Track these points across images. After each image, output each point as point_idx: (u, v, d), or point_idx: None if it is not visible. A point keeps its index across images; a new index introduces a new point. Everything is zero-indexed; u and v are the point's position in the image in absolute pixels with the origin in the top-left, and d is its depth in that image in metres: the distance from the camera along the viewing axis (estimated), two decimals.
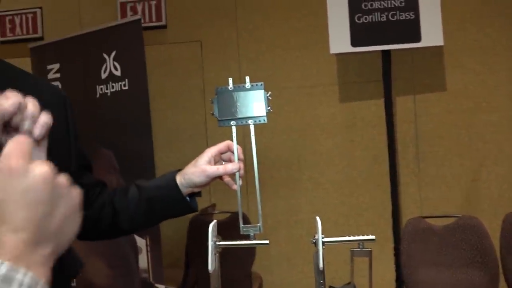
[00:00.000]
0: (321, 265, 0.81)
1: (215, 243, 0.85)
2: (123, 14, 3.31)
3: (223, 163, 0.98)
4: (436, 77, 3.06)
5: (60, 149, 0.82)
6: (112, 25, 2.60)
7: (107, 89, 2.53)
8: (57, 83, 2.69)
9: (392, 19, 2.72)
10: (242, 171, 0.95)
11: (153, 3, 3.32)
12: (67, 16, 3.42)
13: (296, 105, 3.17)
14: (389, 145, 2.84)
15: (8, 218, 0.40)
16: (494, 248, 2.31)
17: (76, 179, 0.91)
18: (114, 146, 2.51)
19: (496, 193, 2.99)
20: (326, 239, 0.84)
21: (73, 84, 2.66)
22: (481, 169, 3.01)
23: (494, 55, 3.00)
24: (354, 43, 2.73)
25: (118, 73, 2.49)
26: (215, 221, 0.88)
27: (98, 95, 2.57)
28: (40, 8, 3.48)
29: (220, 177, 0.97)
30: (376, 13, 2.73)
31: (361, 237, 0.85)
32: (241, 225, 0.91)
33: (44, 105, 0.81)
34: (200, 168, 0.94)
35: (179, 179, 0.96)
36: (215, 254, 0.84)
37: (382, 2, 2.72)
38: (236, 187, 0.95)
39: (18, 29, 3.49)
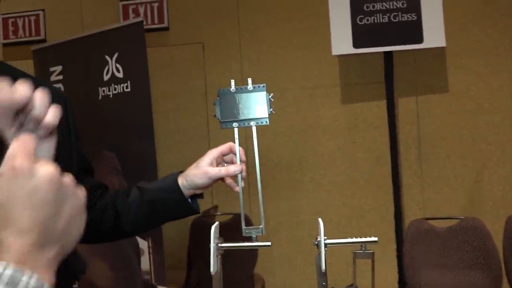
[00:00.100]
0: (323, 267, 0.81)
1: (217, 245, 0.85)
2: (125, 16, 3.32)
3: (225, 165, 0.98)
4: (438, 78, 3.06)
5: (61, 151, 0.82)
6: (114, 27, 2.60)
7: (109, 91, 2.53)
8: (60, 85, 2.70)
9: (394, 20, 2.72)
10: (244, 173, 0.95)
11: (155, 5, 3.32)
12: (69, 18, 3.43)
13: (298, 107, 3.17)
14: (391, 146, 2.84)
15: (14, 220, 0.40)
16: (497, 250, 2.30)
17: (77, 182, 0.91)
18: (116, 148, 2.52)
19: (498, 194, 2.98)
20: (328, 241, 0.83)
21: (76, 86, 2.66)
22: (483, 170, 3.00)
23: (497, 56, 3.00)
24: (356, 45, 2.73)
25: (120, 75, 2.50)
26: (217, 223, 0.87)
27: (100, 97, 2.57)
28: (43, 10, 3.49)
29: (222, 179, 0.97)
30: (378, 15, 2.72)
31: (363, 239, 0.84)
32: (243, 227, 0.91)
33: None
34: (202, 170, 0.94)
35: (181, 181, 0.96)
36: (217, 256, 0.84)
37: (384, 4, 2.72)
38: (238, 189, 0.95)
39: (20, 32, 3.50)
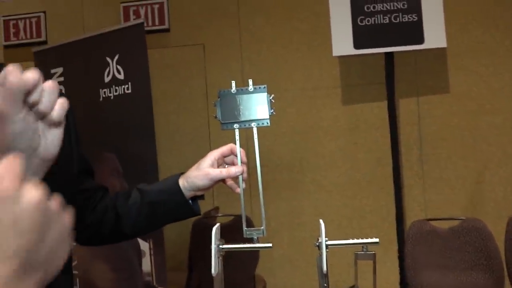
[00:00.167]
0: (324, 268, 0.81)
1: (218, 246, 0.84)
2: (126, 18, 3.33)
3: (226, 166, 0.98)
4: (440, 79, 3.05)
5: (61, 154, 0.82)
6: (115, 29, 2.60)
7: (110, 92, 2.53)
8: (61, 87, 2.70)
9: (395, 21, 2.71)
10: (245, 174, 0.95)
11: (156, 6, 3.33)
12: (70, 20, 3.44)
13: (298, 108, 3.17)
14: (392, 147, 2.83)
15: None
16: (499, 251, 2.29)
17: (78, 184, 0.91)
18: (117, 149, 2.52)
19: (500, 195, 2.98)
20: (329, 242, 0.83)
21: (76, 87, 2.67)
22: (485, 171, 3.00)
23: (498, 57, 2.99)
24: (356, 45, 2.73)
25: (121, 76, 2.50)
26: (218, 224, 0.87)
27: (101, 99, 2.57)
28: (44, 12, 3.49)
29: (223, 180, 0.96)
30: (378, 15, 2.72)
31: (364, 240, 0.84)
32: (244, 228, 0.91)
33: None
34: (203, 172, 0.94)
35: (182, 182, 0.96)
36: (218, 258, 0.84)
37: (385, 4, 2.72)
38: (239, 190, 0.94)
39: (22, 33, 3.51)
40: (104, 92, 2.55)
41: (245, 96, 0.92)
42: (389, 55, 2.77)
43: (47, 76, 2.98)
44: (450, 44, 2.78)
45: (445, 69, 3.04)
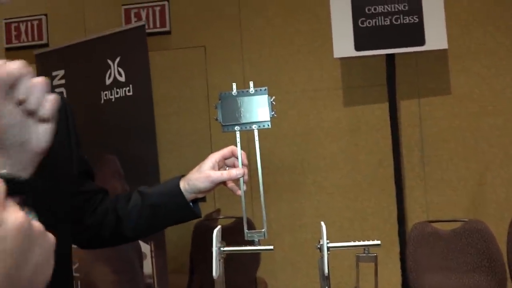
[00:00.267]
0: (326, 270, 0.81)
1: (219, 249, 0.84)
2: (127, 20, 3.33)
3: (227, 168, 0.98)
4: (441, 81, 3.05)
5: (61, 156, 0.82)
6: (117, 31, 2.61)
7: (111, 95, 2.54)
8: (62, 89, 2.71)
9: (396, 22, 2.71)
10: (246, 177, 0.95)
11: (157, 9, 3.33)
12: (72, 23, 3.44)
13: (300, 109, 3.17)
14: (394, 149, 2.83)
15: None
16: (501, 252, 2.29)
17: (78, 186, 0.91)
18: (118, 151, 2.52)
19: (502, 196, 2.97)
20: (331, 245, 0.83)
21: (78, 90, 2.67)
22: (487, 172, 2.99)
23: (499, 58, 2.99)
24: (357, 47, 2.73)
25: (122, 79, 2.50)
26: (219, 226, 0.87)
27: (102, 101, 2.58)
28: (45, 15, 3.50)
29: (224, 183, 0.96)
30: (379, 17, 2.72)
31: (366, 242, 0.84)
32: (246, 230, 0.90)
33: None
34: (204, 174, 0.94)
35: (183, 185, 0.96)
36: (219, 260, 0.84)
37: (386, 6, 2.72)
38: (240, 192, 0.94)
39: (23, 36, 3.52)
40: (106, 94, 2.56)
41: (246, 98, 0.92)
42: (390, 57, 2.77)
43: (49, 78, 2.98)
44: (451, 46, 2.78)
45: (446, 71, 3.04)
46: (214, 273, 0.82)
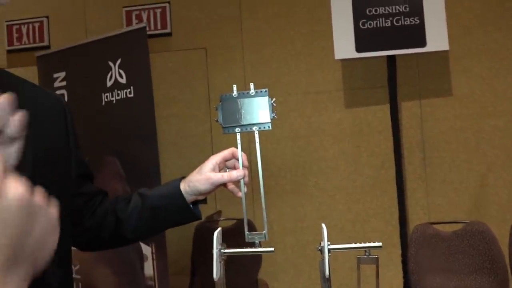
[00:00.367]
0: (327, 272, 0.80)
1: (220, 251, 0.84)
2: (128, 22, 3.34)
3: (227, 170, 0.97)
4: (442, 82, 3.05)
5: (59, 157, 0.82)
6: (118, 33, 2.61)
7: (112, 96, 2.54)
8: (63, 91, 2.71)
9: (397, 24, 2.71)
10: (247, 178, 0.95)
11: (158, 11, 3.34)
12: (73, 25, 3.45)
13: (301, 111, 3.17)
14: (395, 150, 2.82)
15: None
16: (503, 254, 2.28)
17: (77, 187, 0.91)
18: (119, 153, 2.52)
19: (504, 198, 2.96)
20: (332, 247, 0.83)
21: (79, 92, 2.67)
22: (488, 174, 2.98)
23: (501, 59, 2.99)
24: (358, 49, 2.73)
25: (123, 80, 2.50)
26: (219, 228, 0.87)
27: (103, 103, 2.58)
28: (47, 17, 3.51)
29: (224, 185, 0.96)
30: (380, 19, 2.72)
31: (367, 244, 0.84)
32: (246, 232, 0.90)
33: (43, 113, 0.82)
34: (204, 176, 0.94)
35: (183, 186, 0.96)
36: (220, 262, 0.84)
37: (387, 8, 2.72)
38: (240, 194, 0.94)
39: (25, 38, 3.52)
40: (107, 96, 2.56)
41: (246, 100, 0.92)
42: (391, 58, 2.77)
43: (50, 80, 2.99)
44: (453, 47, 2.77)
45: (447, 72, 3.04)
46: (214, 275, 0.82)
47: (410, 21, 2.70)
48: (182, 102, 3.31)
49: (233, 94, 0.93)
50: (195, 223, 2.77)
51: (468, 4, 3.02)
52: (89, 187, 0.97)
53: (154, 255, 2.41)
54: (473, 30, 3.01)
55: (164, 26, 3.33)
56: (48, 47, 3.43)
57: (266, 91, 0.93)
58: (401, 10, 2.71)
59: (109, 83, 2.55)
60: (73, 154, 0.87)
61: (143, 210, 0.97)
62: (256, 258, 2.71)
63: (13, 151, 0.51)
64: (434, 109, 3.05)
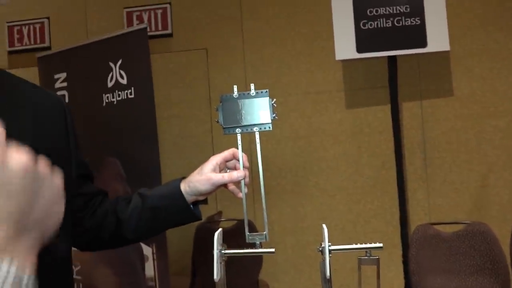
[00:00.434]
0: (327, 273, 0.80)
1: (220, 251, 0.84)
2: (129, 23, 3.34)
3: (228, 171, 0.97)
4: (443, 82, 3.04)
5: (59, 158, 0.82)
6: (118, 34, 2.61)
7: (113, 97, 2.54)
8: (64, 92, 2.71)
9: (398, 24, 2.71)
10: (247, 179, 0.95)
11: (159, 11, 3.34)
12: (74, 26, 3.45)
13: (302, 112, 3.17)
14: (396, 151, 2.82)
15: None
16: (504, 255, 2.27)
17: (77, 188, 0.91)
18: (120, 154, 2.52)
19: (505, 198, 2.96)
20: (332, 247, 0.83)
21: (80, 92, 2.68)
22: (489, 174, 2.98)
23: (502, 59, 2.98)
24: (359, 49, 2.73)
25: (124, 81, 2.50)
26: (220, 229, 0.87)
27: (104, 104, 2.58)
28: (48, 18, 3.51)
29: (225, 185, 0.96)
30: (381, 19, 2.72)
31: (368, 245, 0.83)
32: (247, 233, 0.90)
33: (43, 114, 0.82)
34: (205, 176, 0.94)
35: (183, 187, 0.96)
36: (220, 263, 0.84)
37: (388, 8, 2.72)
38: (241, 195, 0.94)
39: (26, 39, 3.53)
40: (107, 97, 2.56)
41: (247, 101, 0.92)
42: (392, 59, 2.77)
43: (51, 81, 2.99)
44: (453, 47, 2.77)
45: (448, 72, 3.04)
46: (215, 276, 0.81)
47: (411, 22, 2.70)
48: (183, 103, 3.31)
49: (234, 95, 0.93)
50: (196, 223, 2.78)
51: (468, 4, 3.02)
52: (89, 187, 0.97)
53: (154, 256, 2.42)
54: (474, 30, 3.01)
55: (165, 27, 3.33)
56: (49, 48, 3.43)
57: (266, 91, 0.93)
58: (402, 10, 2.71)
59: (110, 84, 2.55)
60: (73, 154, 0.87)
61: (143, 210, 0.96)
62: (257, 259, 2.71)
63: None
64: (435, 109, 3.04)
